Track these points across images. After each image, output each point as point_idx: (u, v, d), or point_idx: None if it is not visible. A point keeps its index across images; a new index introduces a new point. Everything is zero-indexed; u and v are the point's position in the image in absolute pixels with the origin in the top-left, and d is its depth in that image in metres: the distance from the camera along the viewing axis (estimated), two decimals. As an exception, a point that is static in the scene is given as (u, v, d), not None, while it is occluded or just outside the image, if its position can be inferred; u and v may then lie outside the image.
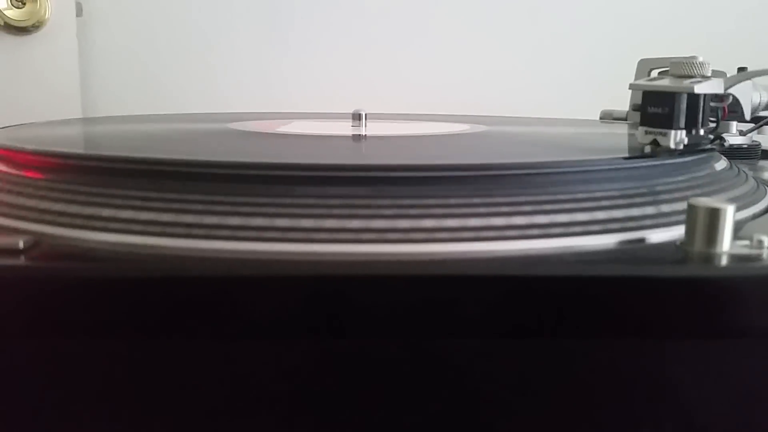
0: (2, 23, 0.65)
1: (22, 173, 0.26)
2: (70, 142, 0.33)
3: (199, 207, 0.22)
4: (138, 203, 0.22)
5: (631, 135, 0.37)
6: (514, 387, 0.21)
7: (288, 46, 0.72)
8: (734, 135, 0.42)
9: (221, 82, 0.72)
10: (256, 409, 0.20)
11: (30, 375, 0.20)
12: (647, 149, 0.28)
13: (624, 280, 0.20)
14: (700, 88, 0.27)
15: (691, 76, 0.28)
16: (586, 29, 0.74)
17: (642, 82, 0.28)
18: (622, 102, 0.49)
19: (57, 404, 0.20)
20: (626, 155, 0.28)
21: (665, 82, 0.28)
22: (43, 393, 0.20)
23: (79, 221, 0.22)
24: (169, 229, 0.21)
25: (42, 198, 0.23)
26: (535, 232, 0.22)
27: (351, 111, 0.42)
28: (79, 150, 0.29)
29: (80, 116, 0.67)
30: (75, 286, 0.19)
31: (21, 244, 0.20)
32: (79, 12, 0.69)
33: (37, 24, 0.66)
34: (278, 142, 0.34)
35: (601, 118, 0.51)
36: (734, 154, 0.41)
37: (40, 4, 0.66)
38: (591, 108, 0.54)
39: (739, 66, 0.39)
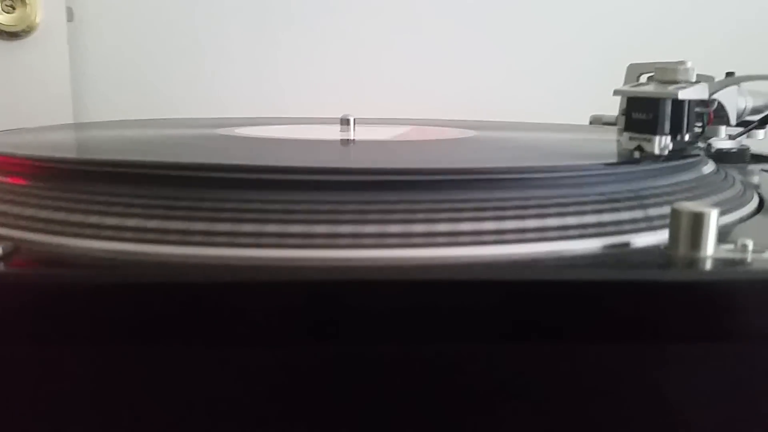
0: (-8, 28, 0.65)
1: (2, 178, 0.25)
2: (51, 147, 0.33)
3: (180, 213, 0.22)
4: (119, 209, 0.22)
5: (619, 141, 0.37)
6: (500, 391, 0.21)
7: (281, 51, 0.72)
8: (723, 139, 0.42)
9: (213, 86, 0.72)
10: (246, 417, 0.20)
11: (9, 382, 0.20)
12: (634, 154, 0.28)
13: (608, 285, 0.20)
14: (684, 94, 0.27)
15: (675, 82, 0.28)
16: (582, 33, 0.74)
17: (626, 87, 0.28)
18: (616, 105, 0.49)
19: (36, 412, 0.20)
20: (612, 161, 0.28)
21: (649, 88, 0.28)
22: (22, 400, 0.20)
23: (58, 227, 0.22)
24: (149, 236, 0.21)
25: (21, 204, 0.23)
26: (520, 236, 0.22)
27: (341, 116, 0.42)
28: (59, 154, 0.28)
29: (72, 121, 0.67)
30: (55, 292, 0.19)
31: (0, 251, 0.20)
32: (70, 17, 0.69)
33: (27, 29, 0.66)
34: (263, 146, 0.34)
35: (590, 123, 0.51)
36: (723, 158, 0.41)
37: (30, 9, 0.65)
38: (587, 112, 0.54)
39: (727, 71, 0.39)
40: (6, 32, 0.65)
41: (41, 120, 0.53)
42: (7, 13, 0.65)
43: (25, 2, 0.65)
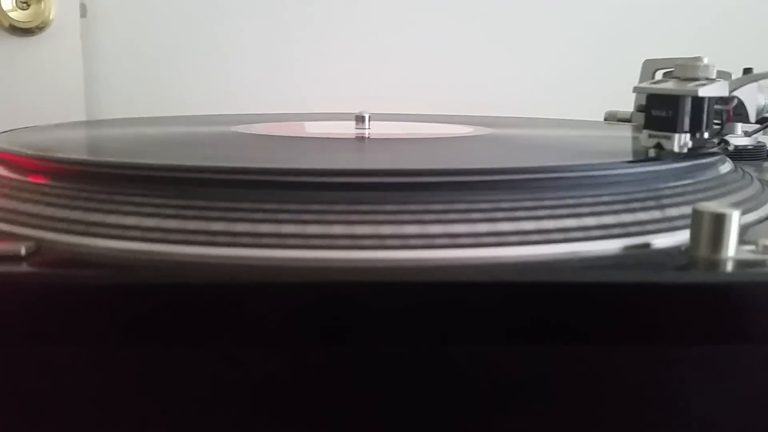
0: (7, 25, 0.65)
1: (24, 178, 0.26)
2: (72, 146, 0.33)
3: (199, 213, 0.22)
4: (140, 209, 0.22)
5: (635, 138, 0.37)
6: (517, 394, 0.20)
7: (295, 47, 0.72)
8: (739, 136, 0.42)
9: (227, 83, 0.72)
10: (257, 418, 0.20)
11: (31, 381, 0.20)
12: (651, 153, 0.28)
13: (629, 286, 0.20)
14: (705, 91, 0.27)
15: (695, 79, 0.27)
16: (591, 28, 0.74)
17: (646, 84, 0.28)
18: (626, 101, 0.49)
19: (57, 411, 0.20)
20: (631, 159, 0.27)
21: (669, 85, 0.28)
22: (43, 400, 0.20)
23: (80, 227, 0.22)
24: (170, 236, 0.21)
25: (44, 204, 0.23)
26: (539, 237, 0.22)
27: (356, 111, 0.42)
28: (81, 155, 0.29)
29: (84, 118, 0.67)
30: (77, 292, 0.19)
31: (23, 251, 0.20)
32: (84, 13, 0.69)
33: (41, 25, 0.66)
34: (281, 145, 0.34)
35: (605, 119, 0.51)
36: (739, 155, 0.40)
37: (44, 6, 0.66)
38: (595, 107, 0.53)
39: (745, 67, 0.39)
40: (20, 29, 0.66)
41: (54, 117, 0.53)
42: (22, 9, 0.65)
43: (39, -2, 0.65)
